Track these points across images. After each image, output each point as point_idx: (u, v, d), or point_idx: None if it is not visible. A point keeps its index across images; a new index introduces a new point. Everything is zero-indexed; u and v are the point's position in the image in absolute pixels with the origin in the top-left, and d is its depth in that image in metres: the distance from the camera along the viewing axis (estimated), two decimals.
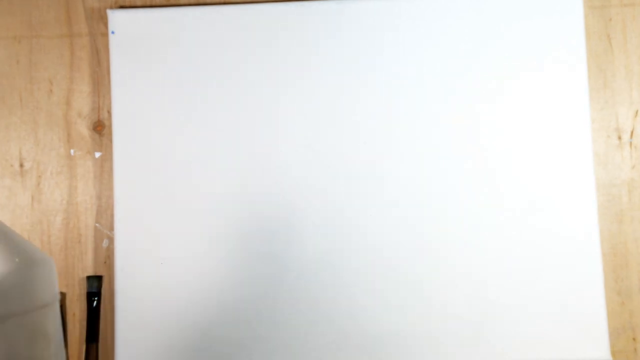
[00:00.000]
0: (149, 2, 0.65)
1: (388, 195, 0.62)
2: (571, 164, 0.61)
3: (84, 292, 0.63)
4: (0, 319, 0.34)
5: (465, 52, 0.62)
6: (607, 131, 0.64)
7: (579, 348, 0.60)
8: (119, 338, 0.61)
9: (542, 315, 0.60)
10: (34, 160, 0.64)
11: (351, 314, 0.61)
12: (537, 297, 0.61)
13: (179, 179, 0.62)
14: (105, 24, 0.64)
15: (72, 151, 0.64)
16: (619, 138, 0.64)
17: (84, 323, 0.63)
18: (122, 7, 0.65)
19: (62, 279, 0.63)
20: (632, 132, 0.64)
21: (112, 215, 0.63)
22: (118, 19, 0.63)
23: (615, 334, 0.63)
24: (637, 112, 0.64)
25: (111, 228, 0.63)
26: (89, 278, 0.63)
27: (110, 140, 0.63)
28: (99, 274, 0.63)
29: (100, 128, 0.64)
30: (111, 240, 0.63)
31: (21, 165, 0.64)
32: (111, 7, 0.64)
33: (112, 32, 0.63)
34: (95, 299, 0.62)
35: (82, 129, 0.64)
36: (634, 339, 0.63)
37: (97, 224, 0.64)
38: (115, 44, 0.63)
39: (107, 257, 0.63)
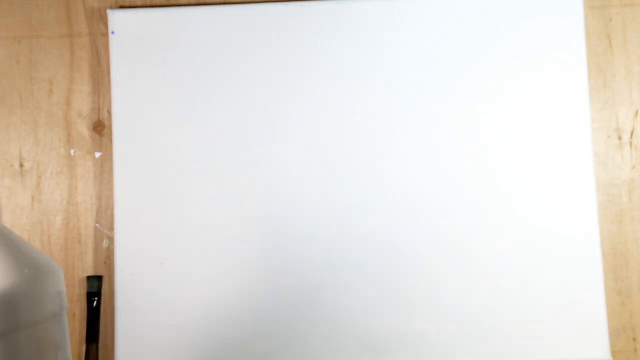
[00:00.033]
0: (149, 2, 0.65)
1: (388, 195, 0.62)
2: (571, 164, 0.61)
3: (84, 292, 0.63)
4: (9, 331, 0.33)
5: (466, 52, 0.62)
6: (607, 131, 0.64)
7: (579, 348, 0.60)
8: (119, 338, 0.61)
9: (542, 315, 0.60)
10: (34, 160, 0.64)
11: (351, 314, 0.61)
12: (537, 297, 0.61)
13: (179, 179, 0.62)
14: (105, 24, 0.64)
15: (72, 151, 0.64)
16: (619, 138, 0.64)
17: (84, 323, 0.63)
18: (122, 7, 0.65)
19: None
20: (632, 132, 0.64)
21: (112, 215, 0.63)
22: (118, 19, 0.63)
23: (615, 334, 0.63)
24: (637, 112, 0.64)
25: (111, 228, 0.63)
26: (89, 278, 0.63)
27: (110, 140, 0.63)
28: (99, 274, 0.63)
29: (100, 128, 0.64)
30: (111, 240, 0.63)
31: (21, 165, 0.64)
32: (111, 7, 0.64)
33: (112, 32, 0.63)
34: (95, 299, 0.62)
35: (82, 129, 0.64)
36: (634, 339, 0.63)
37: (97, 224, 0.64)
38: (115, 44, 0.63)
39: (107, 257, 0.63)
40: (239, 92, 0.62)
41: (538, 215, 0.61)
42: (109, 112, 0.64)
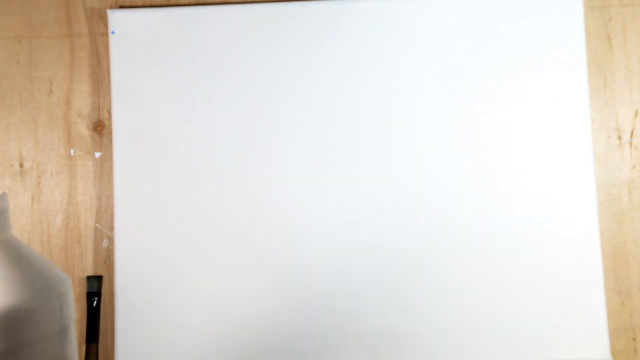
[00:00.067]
0: (149, 2, 0.65)
1: (388, 195, 0.62)
2: (571, 164, 0.61)
3: (84, 292, 0.63)
4: (21, 347, 0.33)
5: (465, 52, 0.62)
6: (607, 131, 0.64)
7: (579, 348, 0.60)
8: (119, 338, 0.61)
9: (542, 315, 0.60)
10: (34, 160, 0.64)
11: (352, 314, 0.61)
12: (537, 297, 0.61)
13: (179, 179, 0.62)
14: (105, 24, 0.64)
15: (72, 151, 0.64)
16: (619, 138, 0.64)
17: (84, 323, 0.63)
18: (122, 7, 0.65)
19: None
20: (632, 132, 0.64)
21: (112, 215, 0.63)
22: (118, 19, 0.63)
23: (615, 334, 0.63)
24: (637, 112, 0.64)
25: (111, 228, 0.63)
26: (89, 278, 0.63)
27: (110, 140, 0.63)
28: (99, 274, 0.63)
29: (100, 128, 0.64)
30: (111, 240, 0.63)
31: (21, 165, 0.64)
32: (111, 7, 0.64)
33: (112, 32, 0.63)
34: (95, 299, 0.62)
35: (82, 129, 0.64)
36: (634, 339, 0.63)
37: (97, 224, 0.64)
38: (115, 44, 0.63)
39: (107, 257, 0.63)
40: (239, 92, 0.62)
41: (538, 215, 0.61)
42: (109, 112, 0.64)
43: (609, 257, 0.63)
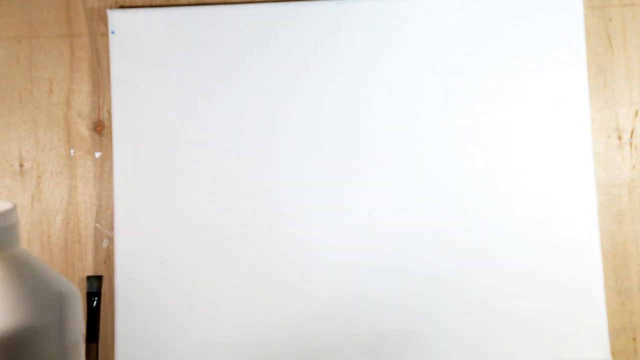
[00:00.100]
0: (149, 2, 0.65)
1: (388, 195, 0.61)
2: (571, 164, 0.61)
3: (84, 292, 0.63)
4: None
5: (466, 52, 0.62)
6: (607, 131, 0.64)
7: (579, 348, 0.60)
8: (119, 338, 0.61)
9: (542, 315, 0.60)
10: (34, 160, 0.64)
11: (352, 314, 0.61)
12: (537, 297, 0.61)
13: (179, 178, 0.62)
14: (105, 24, 0.64)
15: (72, 151, 0.64)
16: (619, 138, 0.64)
17: (84, 323, 0.63)
18: (122, 7, 0.65)
19: None
20: (632, 132, 0.64)
21: (112, 215, 0.63)
22: (118, 19, 0.63)
23: (615, 334, 0.63)
24: (637, 112, 0.64)
25: (111, 228, 0.63)
26: (89, 278, 0.63)
27: (110, 140, 0.63)
28: (99, 274, 0.63)
29: (100, 128, 0.64)
30: (111, 240, 0.63)
31: (21, 165, 0.64)
32: (111, 7, 0.64)
33: (112, 32, 0.63)
34: (95, 299, 0.62)
35: (82, 129, 0.64)
36: (634, 339, 0.63)
37: (97, 224, 0.64)
38: (115, 44, 0.63)
39: (107, 257, 0.63)
40: (239, 92, 0.62)
41: (538, 215, 0.61)
42: (109, 112, 0.64)
43: (609, 257, 0.63)
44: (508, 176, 0.62)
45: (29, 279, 0.34)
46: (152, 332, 0.61)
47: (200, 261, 0.61)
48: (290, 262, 0.61)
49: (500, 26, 0.62)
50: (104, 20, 0.64)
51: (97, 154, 0.64)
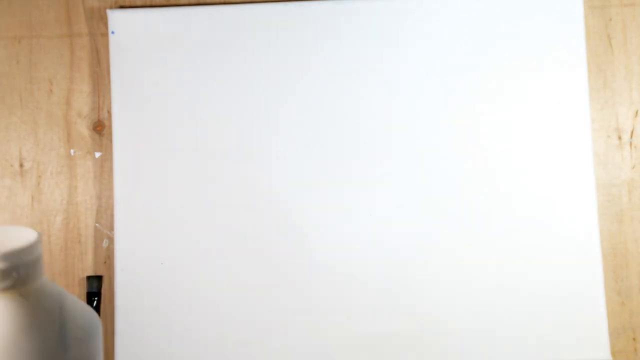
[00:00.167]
0: (149, 2, 0.65)
1: (388, 195, 0.62)
2: (571, 164, 0.61)
3: (84, 292, 0.63)
4: None
5: (466, 52, 0.62)
6: (607, 131, 0.64)
7: (579, 348, 0.60)
8: (119, 338, 0.61)
9: (542, 315, 0.60)
10: (34, 160, 0.64)
11: (352, 314, 0.61)
12: (536, 297, 0.61)
13: (179, 179, 0.62)
14: (105, 24, 0.64)
15: (72, 151, 0.64)
16: (619, 138, 0.64)
17: None
18: (122, 7, 0.65)
19: (62, 279, 0.63)
20: (632, 132, 0.64)
21: (112, 215, 0.63)
22: (118, 19, 0.63)
23: (615, 334, 0.63)
24: (637, 112, 0.64)
25: (111, 228, 0.63)
26: (89, 278, 0.63)
27: (110, 140, 0.63)
28: (99, 274, 0.63)
29: (100, 128, 0.64)
30: (111, 240, 0.63)
31: (21, 165, 0.64)
32: (111, 7, 0.64)
33: (112, 32, 0.63)
34: (95, 299, 0.62)
35: (82, 129, 0.64)
36: (634, 339, 0.63)
37: (97, 224, 0.64)
38: (115, 44, 0.63)
39: (107, 257, 0.63)
40: (239, 92, 0.62)
41: (538, 215, 0.61)
42: (109, 112, 0.64)
43: (609, 257, 0.63)
44: (508, 176, 0.62)
45: (54, 315, 0.33)
46: (152, 332, 0.61)
47: (200, 261, 0.61)
48: (290, 262, 0.61)
49: (500, 26, 0.62)
50: (104, 20, 0.64)
51: (97, 154, 0.64)
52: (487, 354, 0.60)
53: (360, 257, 0.61)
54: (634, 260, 0.63)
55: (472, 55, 0.62)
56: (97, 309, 0.62)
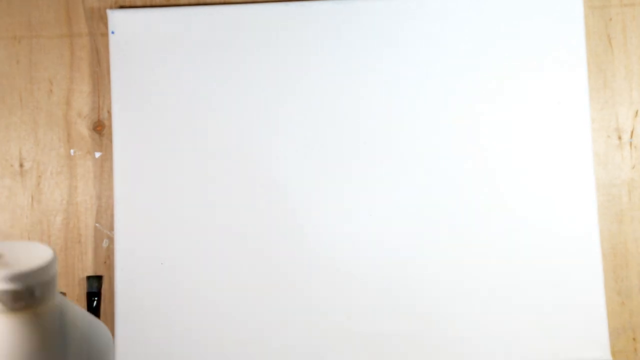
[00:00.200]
0: (149, 2, 0.65)
1: (388, 195, 0.61)
2: (571, 164, 0.61)
3: (84, 292, 0.63)
4: None
5: (466, 52, 0.62)
6: (607, 131, 0.64)
7: (579, 348, 0.60)
8: (119, 338, 0.61)
9: (542, 315, 0.60)
10: (34, 160, 0.64)
11: (352, 314, 0.61)
12: (536, 297, 0.61)
13: (179, 179, 0.62)
14: (105, 24, 0.64)
15: (72, 151, 0.64)
16: (619, 138, 0.64)
17: None
18: (122, 7, 0.65)
19: (62, 279, 0.63)
20: (632, 132, 0.64)
21: (112, 215, 0.63)
22: (118, 19, 0.63)
23: (615, 334, 0.63)
24: (637, 112, 0.64)
25: (111, 228, 0.63)
26: (89, 278, 0.63)
27: (110, 140, 0.63)
28: (99, 274, 0.63)
29: (100, 128, 0.64)
30: (111, 240, 0.63)
31: (21, 165, 0.64)
32: (111, 7, 0.64)
33: (112, 32, 0.63)
34: (95, 299, 0.62)
35: (82, 129, 0.64)
36: (634, 339, 0.63)
37: (97, 224, 0.64)
38: (115, 44, 0.63)
39: (107, 257, 0.63)
40: (239, 92, 0.62)
41: (538, 215, 0.61)
42: (109, 112, 0.64)
43: (609, 257, 0.63)
44: (508, 176, 0.62)
45: (67, 336, 0.32)
46: (152, 332, 0.61)
47: (200, 261, 0.61)
48: (290, 262, 0.61)
49: (500, 26, 0.62)
50: (104, 20, 0.64)
51: (97, 154, 0.64)
52: (487, 354, 0.60)
53: (360, 257, 0.61)
54: (634, 260, 0.63)
55: (472, 55, 0.62)
56: (97, 309, 0.62)
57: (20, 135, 0.64)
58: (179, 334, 0.61)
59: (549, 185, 0.61)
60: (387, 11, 0.63)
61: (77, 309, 0.34)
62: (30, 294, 0.30)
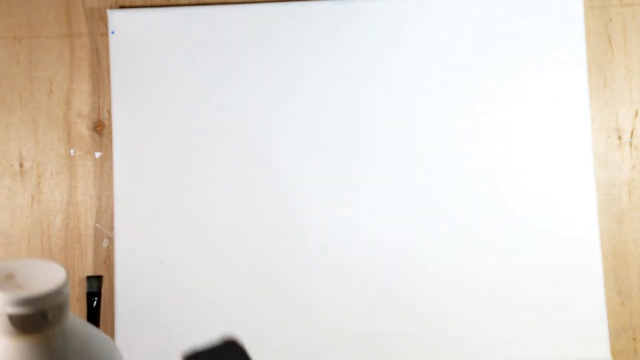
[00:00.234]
0: (149, 2, 0.65)
1: (388, 195, 0.61)
2: (571, 164, 0.61)
3: (84, 292, 0.63)
4: None
5: (466, 52, 0.62)
6: (607, 131, 0.64)
7: (579, 348, 0.60)
8: (119, 338, 0.61)
9: (542, 315, 0.60)
10: (34, 160, 0.64)
11: (351, 314, 0.61)
12: (536, 297, 0.61)
13: (179, 179, 0.62)
14: (105, 24, 0.64)
15: (72, 151, 0.64)
16: (619, 138, 0.64)
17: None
18: (122, 7, 0.65)
19: None
20: (632, 132, 0.64)
21: (112, 215, 0.63)
22: (118, 19, 0.63)
23: (615, 334, 0.63)
24: (637, 112, 0.64)
25: (111, 228, 0.63)
26: (89, 278, 0.63)
27: (110, 140, 0.63)
28: (99, 274, 0.63)
29: (100, 128, 0.64)
30: (111, 240, 0.63)
31: (21, 165, 0.64)
32: (111, 7, 0.64)
33: (112, 32, 0.63)
34: (95, 299, 0.62)
35: (82, 129, 0.64)
36: (634, 339, 0.63)
37: (97, 224, 0.64)
38: (115, 44, 0.63)
39: (107, 257, 0.63)
40: (239, 92, 0.62)
41: (538, 215, 0.61)
42: (109, 112, 0.64)
43: (609, 257, 0.63)
44: (508, 176, 0.62)
45: (78, 358, 0.31)
46: (152, 332, 0.61)
47: (200, 261, 0.61)
48: (290, 262, 0.61)
49: (500, 26, 0.62)
50: (104, 20, 0.64)
51: (97, 154, 0.64)
52: (487, 354, 0.60)
53: (360, 257, 0.61)
54: (634, 260, 0.63)
55: (472, 55, 0.62)
56: (97, 309, 0.62)
57: (20, 135, 0.64)
58: (179, 334, 0.61)
59: (549, 185, 0.61)
60: (387, 11, 0.63)
61: (88, 328, 0.34)
62: (42, 318, 0.29)
